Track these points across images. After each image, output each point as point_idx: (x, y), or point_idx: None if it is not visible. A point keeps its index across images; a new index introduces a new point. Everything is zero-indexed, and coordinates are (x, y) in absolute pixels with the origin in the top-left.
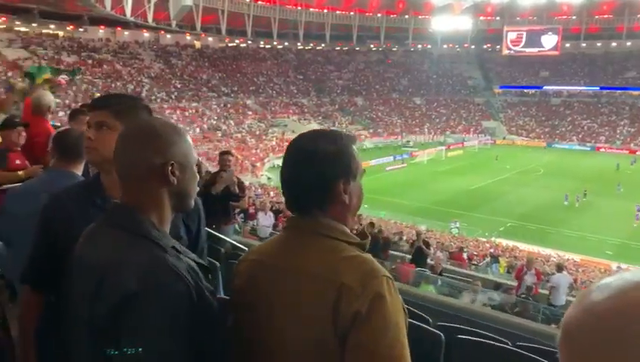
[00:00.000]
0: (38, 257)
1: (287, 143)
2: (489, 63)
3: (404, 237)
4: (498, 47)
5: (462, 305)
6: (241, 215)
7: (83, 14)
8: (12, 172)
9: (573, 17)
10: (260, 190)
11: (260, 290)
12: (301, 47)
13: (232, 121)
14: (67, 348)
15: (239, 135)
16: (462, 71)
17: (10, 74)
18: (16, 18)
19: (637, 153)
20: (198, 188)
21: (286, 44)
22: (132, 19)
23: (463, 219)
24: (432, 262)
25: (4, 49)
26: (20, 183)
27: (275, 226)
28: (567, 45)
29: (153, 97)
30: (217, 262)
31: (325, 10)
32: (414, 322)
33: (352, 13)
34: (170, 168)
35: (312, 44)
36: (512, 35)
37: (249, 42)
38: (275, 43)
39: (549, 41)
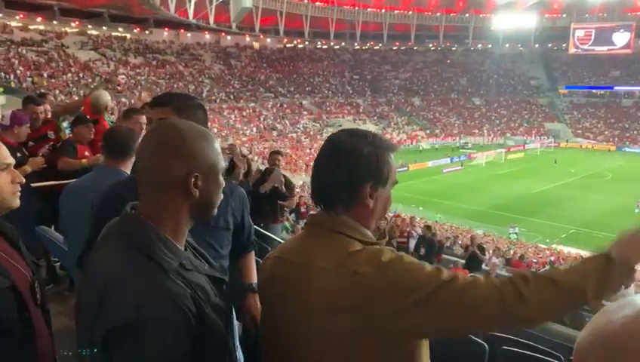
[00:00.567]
0: (92, 244)
1: None
2: (554, 63)
3: (460, 241)
4: (564, 45)
5: None
6: (292, 214)
7: (149, 17)
8: (77, 160)
9: None
10: None
11: (278, 285)
12: (358, 47)
13: (287, 121)
14: None
15: (294, 135)
16: (524, 70)
17: (81, 74)
18: (88, 22)
19: None
20: (222, 196)
21: (343, 44)
22: (194, 21)
23: (523, 224)
24: (488, 268)
25: (77, 51)
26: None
27: None
28: None
29: (213, 97)
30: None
31: (383, 10)
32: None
33: (410, 12)
34: (193, 180)
35: (369, 44)
36: (579, 33)
37: (306, 43)
38: (332, 43)
39: (621, 38)
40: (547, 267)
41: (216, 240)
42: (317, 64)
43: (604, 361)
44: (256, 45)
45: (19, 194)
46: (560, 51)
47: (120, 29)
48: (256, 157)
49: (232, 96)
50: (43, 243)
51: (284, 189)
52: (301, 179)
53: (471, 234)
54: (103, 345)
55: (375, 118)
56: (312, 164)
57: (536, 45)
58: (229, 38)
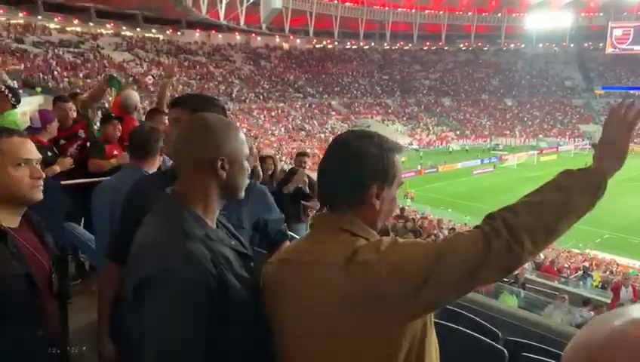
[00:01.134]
0: (122, 235)
1: None
2: (590, 63)
3: None
4: (601, 44)
5: (537, 319)
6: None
7: (181, 19)
8: (106, 160)
9: None
10: None
11: (286, 287)
12: (387, 47)
13: (315, 122)
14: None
15: (322, 135)
16: (558, 71)
17: (115, 75)
18: (123, 24)
19: None
20: (248, 181)
21: (372, 44)
22: (225, 22)
23: None
24: (517, 272)
25: (112, 52)
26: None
27: None
28: None
29: (243, 97)
30: None
31: (413, 10)
32: (478, 336)
33: (441, 12)
34: (220, 163)
35: (398, 44)
36: (617, 32)
37: (336, 43)
38: (361, 44)
39: None
40: (580, 272)
41: None
42: (346, 64)
43: None
44: (285, 46)
45: (40, 188)
46: (596, 51)
47: (153, 31)
48: (284, 158)
49: (261, 97)
50: (71, 240)
51: (307, 190)
52: None
53: None
54: (132, 297)
55: (404, 118)
56: None
57: (572, 45)
58: (259, 38)
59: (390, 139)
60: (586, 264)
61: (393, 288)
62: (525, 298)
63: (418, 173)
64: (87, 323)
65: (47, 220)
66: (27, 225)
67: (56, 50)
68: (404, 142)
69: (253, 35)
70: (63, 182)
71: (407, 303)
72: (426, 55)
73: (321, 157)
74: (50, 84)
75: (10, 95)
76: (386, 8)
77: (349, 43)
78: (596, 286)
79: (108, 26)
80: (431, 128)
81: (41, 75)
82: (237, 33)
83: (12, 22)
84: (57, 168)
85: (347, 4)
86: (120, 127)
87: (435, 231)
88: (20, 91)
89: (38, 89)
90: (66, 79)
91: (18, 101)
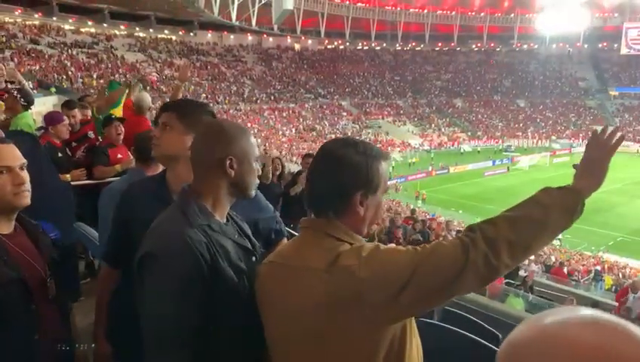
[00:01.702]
0: (113, 240)
1: (380, 145)
2: (604, 63)
3: None
4: (616, 45)
5: None
6: None
7: (193, 20)
8: (111, 166)
9: None
10: None
11: (274, 289)
12: (399, 47)
13: (326, 122)
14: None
15: (333, 136)
16: (572, 72)
17: (128, 75)
18: (136, 25)
19: None
20: (258, 181)
21: (384, 45)
22: (237, 23)
23: (567, 231)
24: (525, 274)
25: (125, 53)
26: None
27: None
28: None
29: (254, 98)
30: None
31: (425, 11)
32: (476, 338)
33: (453, 12)
34: (228, 162)
35: (410, 45)
36: (632, 33)
37: (347, 44)
38: (373, 44)
39: None
40: (591, 275)
41: None
42: (357, 65)
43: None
44: (297, 46)
45: (25, 193)
46: (611, 52)
47: (166, 32)
48: (294, 158)
49: (272, 97)
50: (81, 240)
51: None
52: None
53: None
54: (136, 271)
55: (415, 119)
56: None
57: (586, 45)
58: (270, 39)
59: (375, 147)
60: (598, 267)
61: (373, 293)
62: (532, 301)
63: (429, 174)
64: (92, 322)
65: (57, 220)
66: (22, 229)
67: (70, 51)
68: (415, 143)
69: (265, 35)
70: (73, 183)
71: (386, 308)
72: (438, 56)
73: None
74: (64, 84)
75: (20, 97)
76: (398, 9)
77: (360, 44)
78: (608, 290)
79: (121, 27)
80: (442, 129)
81: (56, 76)
82: (249, 34)
83: (28, 23)
84: (68, 177)
85: (359, 4)
86: (122, 128)
87: (443, 233)
88: (34, 91)
89: (53, 89)
90: (80, 79)
91: (29, 103)
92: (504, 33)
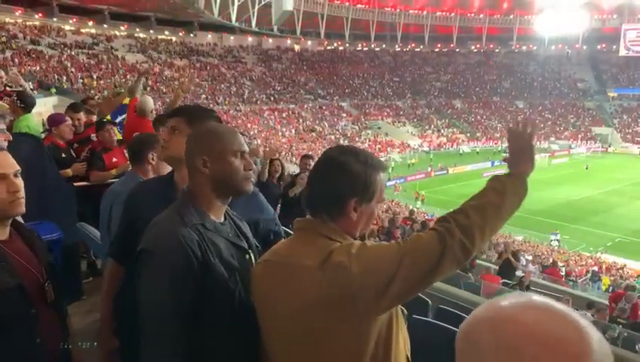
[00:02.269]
0: (120, 236)
1: (379, 146)
2: (603, 65)
3: (495, 248)
4: (614, 47)
5: None
6: None
7: (193, 21)
8: (106, 171)
9: None
10: None
11: (269, 286)
12: (398, 49)
13: (326, 123)
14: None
15: (332, 136)
16: (571, 73)
17: (128, 76)
18: (136, 25)
19: None
20: (250, 177)
21: (383, 46)
22: (237, 24)
23: (566, 232)
24: (522, 275)
25: (125, 53)
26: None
27: None
28: None
29: (254, 99)
30: None
31: (425, 12)
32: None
33: (452, 14)
34: (201, 162)
35: (410, 46)
36: (631, 34)
37: (347, 45)
38: (372, 45)
39: None
40: (588, 276)
41: None
42: (357, 66)
43: (459, 355)
44: (296, 47)
45: (20, 201)
46: (610, 53)
47: (166, 32)
48: (294, 159)
49: (272, 98)
50: (84, 240)
51: None
52: None
53: (504, 241)
54: (135, 265)
55: (415, 120)
56: None
57: (584, 47)
58: (270, 40)
59: (376, 158)
60: (595, 268)
61: (364, 285)
62: None
63: (428, 175)
64: (95, 320)
65: (60, 220)
66: (17, 235)
67: (70, 52)
68: (414, 144)
69: (265, 36)
70: (76, 184)
71: (377, 298)
72: (437, 57)
73: None
74: (64, 85)
75: (18, 102)
76: (398, 10)
77: (360, 45)
78: (606, 290)
79: (122, 27)
80: (442, 130)
81: (56, 76)
82: (249, 35)
83: (28, 24)
84: (69, 172)
85: (358, 5)
86: (115, 131)
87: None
88: (35, 92)
89: (53, 90)
90: (80, 80)
91: (28, 106)
92: (503, 34)
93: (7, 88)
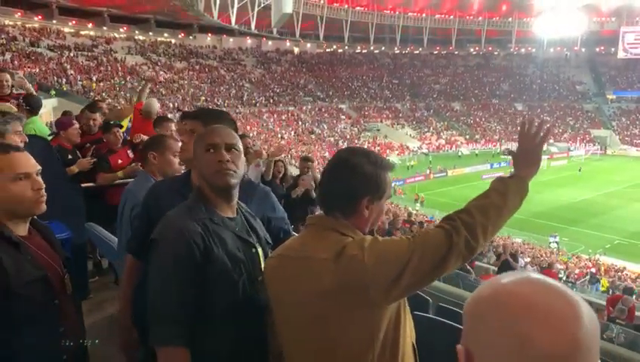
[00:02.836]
0: (138, 232)
1: (378, 148)
2: (602, 67)
3: (494, 249)
4: (613, 49)
5: None
6: None
7: (193, 23)
8: (112, 173)
9: None
10: None
11: (284, 279)
12: (397, 51)
13: (325, 125)
14: None
15: (332, 138)
16: (570, 75)
17: (128, 78)
18: (136, 28)
19: None
20: (223, 168)
21: (382, 48)
22: (237, 27)
23: (565, 234)
24: None
25: (125, 56)
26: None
27: None
28: None
29: (253, 101)
30: None
31: (424, 14)
32: None
33: (451, 16)
34: (194, 163)
35: (408, 49)
36: (629, 37)
37: (346, 47)
38: (371, 48)
39: None
40: (587, 278)
41: None
42: (356, 68)
43: (466, 331)
44: (296, 50)
45: (43, 199)
46: (608, 56)
47: (165, 35)
48: (293, 161)
49: (271, 100)
50: (91, 239)
51: (314, 194)
52: None
53: (503, 242)
54: (147, 252)
55: (414, 122)
56: None
57: (583, 49)
58: (269, 42)
59: (384, 158)
60: (593, 270)
61: (377, 276)
62: None
63: (427, 177)
64: (102, 317)
65: (69, 221)
66: (35, 230)
67: (70, 54)
68: (413, 146)
69: (264, 39)
70: (83, 185)
71: (388, 289)
72: (436, 59)
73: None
74: (64, 87)
75: (24, 104)
76: (397, 12)
77: (359, 47)
78: (604, 292)
79: (121, 30)
80: (441, 132)
81: (56, 79)
82: (248, 37)
83: (27, 26)
84: (75, 169)
85: (357, 8)
86: (121, 134)
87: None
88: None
89: (53, 92)
90: (79, 82)
91: (34, 109)
92: (502, 37)
93: (15, 92)
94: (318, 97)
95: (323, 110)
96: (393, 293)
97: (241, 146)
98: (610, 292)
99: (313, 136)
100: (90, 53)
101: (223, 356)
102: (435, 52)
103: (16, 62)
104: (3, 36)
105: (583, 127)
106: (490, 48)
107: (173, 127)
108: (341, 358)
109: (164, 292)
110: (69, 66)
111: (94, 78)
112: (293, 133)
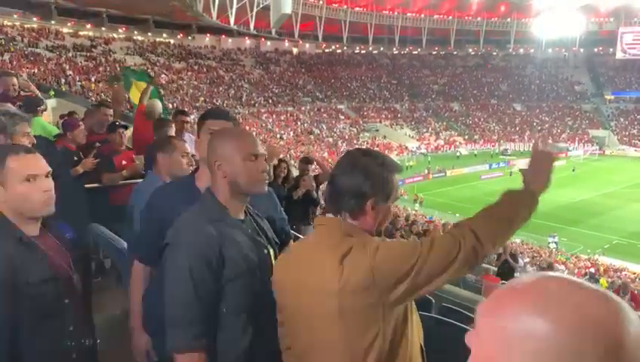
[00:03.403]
0: (143, 236)
1: (377, 148)
2: (600, 68)
3: (499, 250)
4: (611, 50)
5: None
6: None
7: (192, 24)
8: (116, 173)
9: None
10: None
11: (292, 279)
12: (396, 51)
13: (324, 126)
14: None
15: (331, 139)
16: (568, 76)
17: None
18: (135, 28)
19: None
20: (264, 177)
21: (381, 49)
22: (235, 27)
23: (564, 234)
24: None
25: (123, 56)
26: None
27: None
28: None
29: (252, 101)
30: None
31: (422, 15)
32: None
33: (450, 17)
34: (217, 165)
35: (407, 49)
36: (627, 38)
37: (345, 48)
38: (370, 48)
39: None
40: (587, 278)
41: None
42: (355, 69)
43: (481, 331)
44: (294, 50)
45: (52, 201)
46: (606, 56)
47: (164, 35)
48: (293, 161)
49: (270, 101)
50: (94, 240)
51: (315, 194)
52: None
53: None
54: (161, 255)
55: (413, 123)
56: None
57: (581, 50)
58: (268, 43)
59: (392, 160)
60: (592, 270)
61: (384, 279)
62: None
63: (426, 178)
64: (104, 319)
65: (72, 221)
66: (45, 230)
67: (69, 55)
68: (412, 147)
69: (263, 39)
70: (87, 186)
71: (394, 289)
72: (435, 60)
73: (330, 161)
74: (63, 87)
75: (23, 105)
76: (395, 13)
77: (357, 47)
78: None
79: (120, 30)
80: (439, 133)
81: (54, 79)
82: (247, 38)
83: (26, 26)
84: (80, 169)
85: (356, 9)
86: (126, 134)
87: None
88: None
89: (52, 92)
90: (78, 83)
91: (32, 109)
92: (501, 37)
93: (22, 93)
94: (317, 98)
95: (322, 110)
96: (399, 295)
97: None
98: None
99: (312, 137)
100: (88, 54)
101: (237, 357)
102: (434, 52)
103: (14, 62)
104: (1, 37)
105: (581, 128)
106: (488, 49)
107: (187, 119)
108: (348, 357)
109: (182, 297)
110: (67, 67)
111: (93, 79)
112: (292, 133)
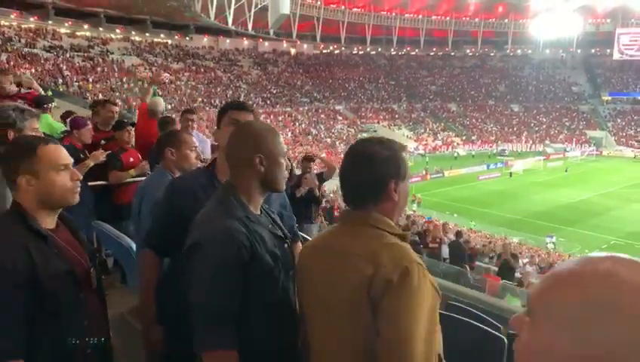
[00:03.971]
0: (159, 227)
1: None
2: (597, 69)
3: (494, 249)
4: (608, 51)
5: None
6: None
7: (190, 24)
8: (125, 171)
9: None
10: None
11: (316, 270)
12: (394, 52)
13: (322, 126)
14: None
15: (328, 140)
16: (565, 77)
17: (124, 79)
18: (132, 29)
19: None
20: (287, 175)
21: (379, 49)
22: (233, 28)
23: (561, 234)
24: (520, 276)
25: (121, 57)
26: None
27: None
28: None
29: (250, 102)
30: None
31: (420, 16)
32: (483, 327)
33: (448, 18)
34: (258, 160)
35: (405, 50)
36: (624, 39)
37: (342, 48)
38: (368, 49)
39: None
40: None
41: None
42: (353, 69)
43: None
44: (292, 51)
45: (78, 190)
46: (604, 57)
47: (162, 36)
48: (291, 162)
49: (268, 101)
50: (97, 237)
51: (317, 193)
52: (335, 184)
53: (504, 243)
54: (185, 259)
55: (410, 123)
56: None
57: (579, 51)
58: (266, 43)
59: (395, 141)
60: None
61: (391, 296)
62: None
63: (423, 178)
64: (109, 316)
65: (76, 218)
66: (62, 223)
67: (66, 55)
68: (410, 147)
69: (261, 40)
70: (92, 183)
71: None
72: (433, 60)
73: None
74: (60, 88)
75: (32, 103)
76: (393, 14)
77: (355, 48)
78: None
79: (117, 30)
80: (437, 133)
81: (52, 79)
82: (245, 38)
83: (23, 26)
84: (90, 162)
85: (354, 9)
86: (133, 132)
87: (440, 235)
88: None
89: (49, 93)
90: (76, 83)
91: (42, 106)
92: (498, 38)
93: (22, 91)
94: (315, 98)
95: (320, 111)
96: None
97: None
98: None
99: (310, 137)
100: (86, 54)
101: (264, 353)
102: (432, 53)
103: (12, 62)
104: None
105: (578, 128)
106: (486, 49)
107: (193, 117)
108: (368, 352)
109: (214, 296)
110: (65, 67)
111: (90, 79)
112: (289, 134)
